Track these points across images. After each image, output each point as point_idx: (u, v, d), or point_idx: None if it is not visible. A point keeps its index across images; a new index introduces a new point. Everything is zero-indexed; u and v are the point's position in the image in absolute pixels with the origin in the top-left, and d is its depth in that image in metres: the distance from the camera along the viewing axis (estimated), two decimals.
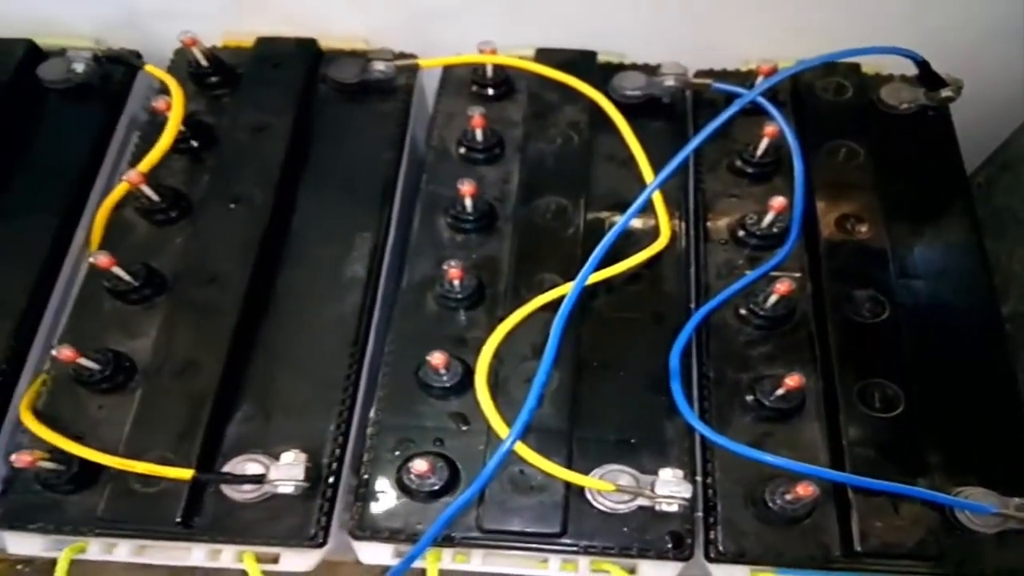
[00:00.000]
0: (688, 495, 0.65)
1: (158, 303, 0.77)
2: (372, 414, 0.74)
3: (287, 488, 0.65)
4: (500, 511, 0.67)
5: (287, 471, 0.66)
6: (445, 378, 0.72)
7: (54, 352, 0.68)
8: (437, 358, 0.68)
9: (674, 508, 0.65)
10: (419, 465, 0.64)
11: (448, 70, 0.92)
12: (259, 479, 0.66)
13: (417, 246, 0.81)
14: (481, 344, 0.73)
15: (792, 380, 0.67)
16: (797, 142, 0.80)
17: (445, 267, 0.72)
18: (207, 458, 0.69)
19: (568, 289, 0.74)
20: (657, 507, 0.65)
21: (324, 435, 0.71)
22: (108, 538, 0.70)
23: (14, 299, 0.77)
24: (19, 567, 1.31)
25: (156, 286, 0.77)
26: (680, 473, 0.66)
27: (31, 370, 0.78)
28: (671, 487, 0.65)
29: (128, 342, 0.75)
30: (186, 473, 0.66)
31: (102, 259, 0.71)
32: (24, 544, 0.71)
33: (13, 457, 0.64)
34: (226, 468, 0.68)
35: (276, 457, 0.68)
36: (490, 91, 0.90)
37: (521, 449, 0.67)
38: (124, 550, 0.71)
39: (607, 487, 0.66)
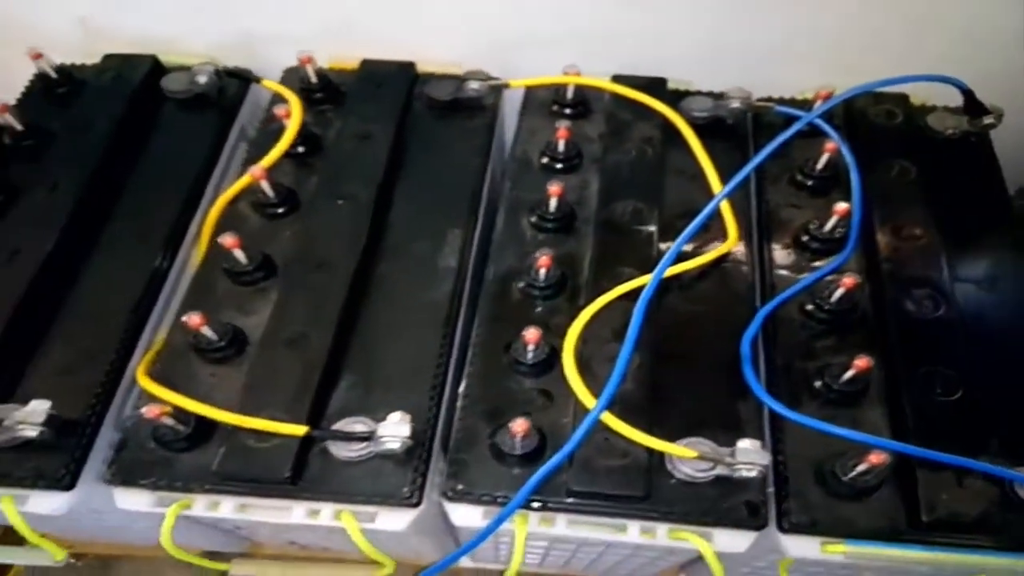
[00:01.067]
0: (766, 462, 0.69)
1: (268, 286, 0.84)
2: (462, 389, 0.80)
3: (394, 444, 0.71)
4: (588, 474, 0.71)
5: (395, 428, 0.71)
6: (533, 355, 0.78)
7: (184, 319, 0.75)
8: (531, 333, 0.74)
9: (754, 474, 0.69)
10: (518, 426, 0.69)
11: (531, 91, 1.01)
12: (368, 436, 0.72)
13: (501, 243, 0.89)
14: (564, 330, 0.80)
15: (861, 362, 0.73)
16: (852, 157, 0.88)
17: (538, 254, 0.79)
18: (316, 419, 0.75)
19: (646, 280, 0.81)
20: (736, 475, 0.70)
21: (420, 405, 0.77)
22: (214, 495, 0.75)
23: (135, 282, 0.85)
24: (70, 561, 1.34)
25: (268, 270, 0.85)
26: (757, 443, 0.71)
27: (142, 347, 0.84)
28: (750, 455, 0.70)
29: (241, 319, 0.82)
30: (299, 429, 0.72)
31: (229, 239, 0.79)
32: (132, 500, 0.76)
33: (144, 409, 0.70)
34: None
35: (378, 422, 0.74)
36: (568, 111, 0.99)
37: (607, 418, 0.73)
38: (228, 507, 0.76)
39: (689, 453, 0.70)
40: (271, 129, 0.95)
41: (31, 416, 0.71)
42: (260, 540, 1.08)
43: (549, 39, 1.07)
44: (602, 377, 0.75)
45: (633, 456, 0.72)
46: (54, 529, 0.91)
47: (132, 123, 0.95)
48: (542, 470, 0.70)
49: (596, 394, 0.74)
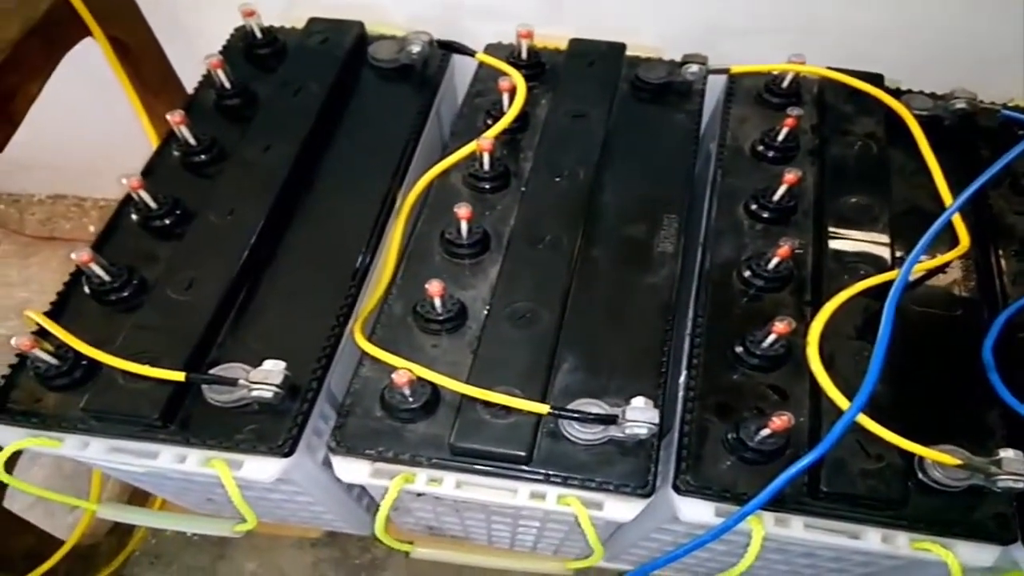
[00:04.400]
0: None
1: (483, 260, 0.83)
2: (682, 380, 0.78)
3: (640, 430, 0.68)
4: (842, 476, 0.68)
5: (640, 414, 0.69)
6: (771, 350, 0.75)
7: (427, 286, 0.73)
8: (780, 326, 0.71)
9: (1021, 486, 0.66)
10: (778, 422, 0.66)
11: (737, 79, 0.98)
12: (611, 419, 0.70)
13: (718, 231, 0.86)
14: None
15: None
16: None
17: (782, 243, 0.76)
18: (546, 398, 0.72)
19: (889, 277, 0.77)
20: (996, 486, 0.67)
21: (647, 393, 0.74)
22: (439, 470, 0.73)
23: (350, 247, 0.83)
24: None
25: (484, 245, 0.83)
26: (1021, 454, 0.67)
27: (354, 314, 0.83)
28: (1017, 465, 0.66)
29: (459, 292, 0.81)
30: (542, 407, 0.70)
31: (463, 210, 0.77)
32: (352, 471, 0.75)
33: (395, 375, 0.68)
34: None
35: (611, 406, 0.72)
36: (776, 100, 0.96)
37: (861, 419, 0.69)
38: (450, 483, 0.74)
39: (952, 460, 0.67)
40: (476, 104, 0.93)
41: (268, 376, 0.70)
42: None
43: (767, 23, 1.04)
44: (845, 376, 0.72)
45: (888, 460, 0.69)
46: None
47: (341, 89, 0.94)
48: (794, 468, 0.67)
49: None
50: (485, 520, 0.94)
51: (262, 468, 0.73)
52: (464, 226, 0.80)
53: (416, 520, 1.00)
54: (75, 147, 1.62)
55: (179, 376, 0.70)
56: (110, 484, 1.21)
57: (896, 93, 0.95)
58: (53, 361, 0.73)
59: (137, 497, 1.23)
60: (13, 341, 0.70)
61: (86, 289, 0.79)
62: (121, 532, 1.31)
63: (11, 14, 0.86)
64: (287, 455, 0.72)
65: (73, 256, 0.74)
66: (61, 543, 1.10)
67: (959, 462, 0.67)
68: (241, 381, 0.71)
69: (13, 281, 1.79)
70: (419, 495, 0.78)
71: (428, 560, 1.01)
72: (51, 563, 1.07)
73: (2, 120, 0.86)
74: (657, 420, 0.68)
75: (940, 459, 0.67)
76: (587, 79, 0.95)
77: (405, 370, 0.69)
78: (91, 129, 1.44)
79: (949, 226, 0.84)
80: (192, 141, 0.86)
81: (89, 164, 1.67)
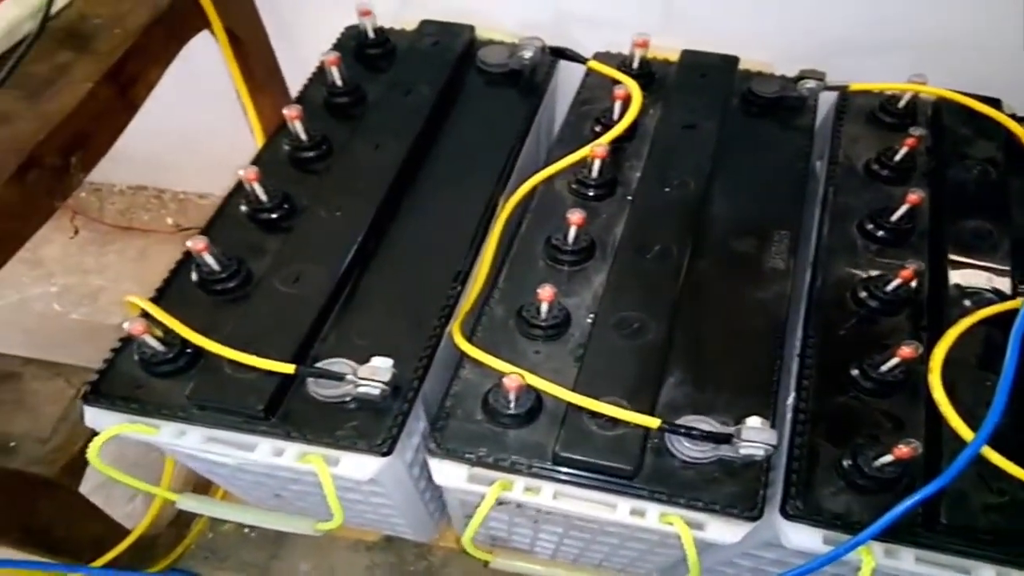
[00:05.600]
0: None
1: (587, 268, 0.82)
2: (791, 401, 0.75)
3: (757, 451, 0.66)
4: (965, 510, 0.66)
5: (757, 434, 0.67)
6: (889, 376, 0.72)
7: (539, 291, 0.72)
8: (906, 351, 0.69)
9: None
10: (903, 450, 0.64)
11: (850, 97, 0.96)
12: (726, 438, 0.68)
13: (830, 250, 0.83)
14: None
15: None
16: None
17: (907, 265, 0.74)
18: (653, 412, 0.71)
19: (1014, 305, 0.74)
20: None
21: (759, 412, 0.72)
22: (537, 479, 0.72)
23: (456, 247, 0.83)
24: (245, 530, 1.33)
25: (589, 252, 0.82)
26: None
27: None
28: None
29: (562, 298, 0.79)
30: (652, 421, 0.68)
31: (575, 216, 0.76)
32: (450, 474, 0.73)
33: (507, 379, 0.67)
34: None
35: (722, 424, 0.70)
36: (889, 119, 0.94)
37: (985, 451, 0.66)
38: (547, 493, 0.73)
39: None
40: (583, 111, 0.92)
41: (376, 373, 0.70)
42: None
43: (889, 43, 1.02)
44: (966, 405, 0.69)
45: (1011, 494, 0.66)
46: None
47: (451, 91, 0.94)
48: (914, 498, 0.64)
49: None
50: (561, 534, 0.92)
51: (359, 466, 0.72)
52: (573, 231, 0.79)
53: (486, 530, 0.99)
54: (159, 139, 1.65)
55: (289, 368, 0.70)
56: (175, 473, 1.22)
57: (1017, 119, 0.92)
58: (160, 347, 0.73)
59: (199, 487, 1.23)
60: (125, 325, 0.71)
61: (193, 277, 0.80)
62: (180, 524, 1.31)
63: (141, 2, 0.88)
64: (386, 454, 0.71)
65: (189, 244, 0.75)
66: (126, 532, 1.10)
67: None
68: (349, 377, 0.71)
69: (89, 268, 1.84)
70: (517, 506, 0.77)
71: (505, 572, 1.00)
72: (117, 551, 1.07)
73: (124, 104, 0.88)
74: (775, 441, 0.67)
75: None
76: (699, 90, 0.95)
77: (516, 375, 0.68)
78: (176, 122, 1.46)
79: None
80: (303, 137, 0.86)
81: (171, 157, 1.70)
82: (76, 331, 1.74)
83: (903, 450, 0.64)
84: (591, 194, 0.87)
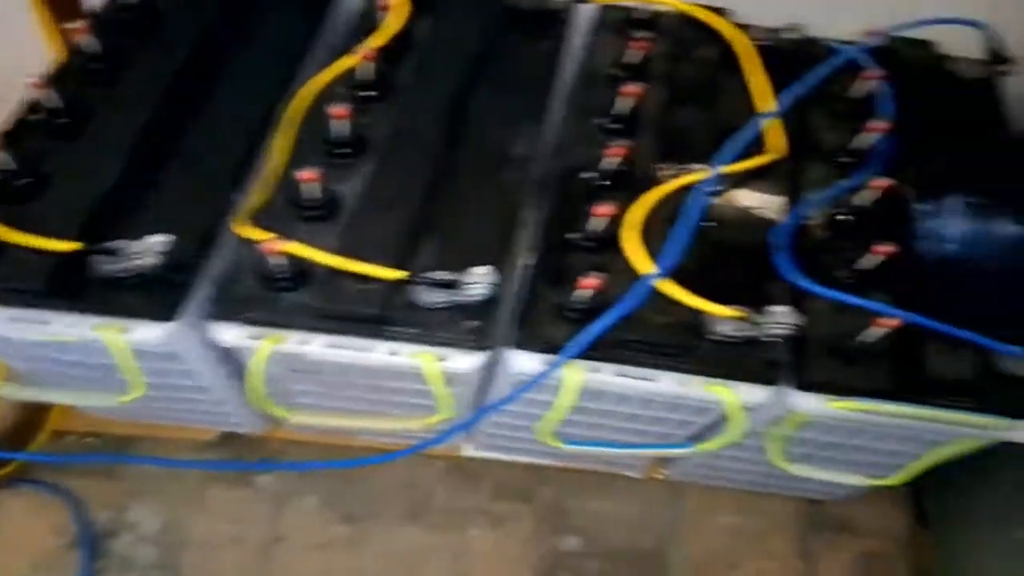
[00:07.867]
0: (793, 320, 0.81)
1: (359, 161, 0.93)
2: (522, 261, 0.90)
3: (481, 290, 0.81)
4: (643, 327, 0.82)
5: (480, 277, 0.82)
6: (595, 232, 0.87)
7: (299, 173, 0.85)
8: (603, 208, 0.84)
9: (781, 332, 0.81)
10: (584, 281, 0.78)
11: (605, 9, 1.12)
12: (452, 283, 0.81)
13: (566, 138, 0.99)
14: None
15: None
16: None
17: (612, 145, 0.89)
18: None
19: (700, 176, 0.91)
20: (764, 335, 0.82)
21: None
22: (306, 332, 0.84)
23: (235, 151, 0.94)
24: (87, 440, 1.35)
25: (359, 147, 0.94)
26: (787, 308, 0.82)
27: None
28: (781, 316, 0.82)
29: (336, 186, 0.90)
30: (398, 275, 0.81)
31: (337, 110, 0.89)
32: (230, 334, 0.84)
33: (263, 244, 0.79)
34: None
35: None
36: (632, 30, 1.08)
37: (661, 284, 0.83)
38: (318, 345, 0.84)
39: (730, 313, 0.81)
40: (364, 25, 1.05)
41: (152, 247, 0.81)
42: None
43: None
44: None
45: (678, 316, 0.83)
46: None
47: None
48: (602, 321, 0.80)
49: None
50: (351, 392, 1.02)
51: (148, 332, 0.82)
52: (337, 125, 0.90)
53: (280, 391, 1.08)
54: None
55: (73, 246, 0.80)
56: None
57: (740, 26, 1.08)
58: None
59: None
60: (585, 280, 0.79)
61: None
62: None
63: None
64: (168, 319, 0.82)
65: None
66: None
67: (737, 313, 0.81)
68: (131, 252, 0.81)
69: None
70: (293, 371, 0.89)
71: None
72: None
73: None
74: (497, 280, 0.81)
75: (716, 311, 0.81)
76: (466, 3, 1.08)
77: (271, 240, 0.80)
78: None
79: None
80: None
81: None
82: None
83: (588, 281, 0.79)
84: (363, 95, 0.98)
